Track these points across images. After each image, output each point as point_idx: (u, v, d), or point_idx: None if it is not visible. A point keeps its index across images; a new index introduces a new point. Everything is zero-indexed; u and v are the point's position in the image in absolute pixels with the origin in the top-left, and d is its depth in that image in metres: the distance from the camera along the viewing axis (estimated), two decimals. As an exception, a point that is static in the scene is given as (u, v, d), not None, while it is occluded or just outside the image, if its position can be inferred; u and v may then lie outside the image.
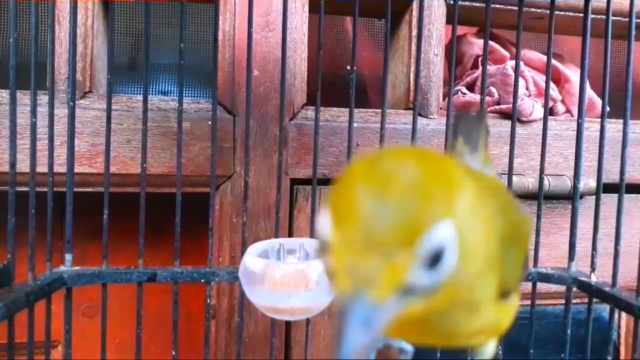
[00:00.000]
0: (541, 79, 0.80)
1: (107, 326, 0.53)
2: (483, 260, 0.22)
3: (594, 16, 0.57)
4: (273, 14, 0.69)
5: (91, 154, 0.64)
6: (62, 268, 0.52)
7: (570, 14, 0.80)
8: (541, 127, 0.58)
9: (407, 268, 0.19)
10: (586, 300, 0.56)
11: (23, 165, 0.49)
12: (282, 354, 0.71)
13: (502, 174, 0.74)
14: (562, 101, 0.84)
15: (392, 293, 0.20)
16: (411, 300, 0.20)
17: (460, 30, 0.88)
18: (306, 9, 0.71)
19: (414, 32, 0.77)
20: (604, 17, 0.56)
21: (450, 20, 0.77)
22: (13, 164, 0.47)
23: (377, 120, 0.69)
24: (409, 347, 0.38)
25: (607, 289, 0.52)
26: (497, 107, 0.79)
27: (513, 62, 0.78)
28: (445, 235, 0.19)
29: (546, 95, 0.59)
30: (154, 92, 0.89)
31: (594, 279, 0.55)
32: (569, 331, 0.57)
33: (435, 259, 0.20)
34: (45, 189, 0.50)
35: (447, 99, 0.73)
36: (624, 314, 0.55)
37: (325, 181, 0.68)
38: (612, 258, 0.53)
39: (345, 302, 0.20)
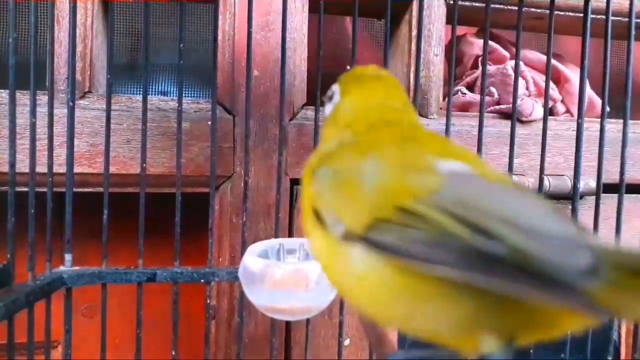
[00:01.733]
0: (541, 79, 0.80)
1: (106, 326, 0.53)
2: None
3: (593, 16, 0.57)
4: (273, 13, 0.69)
5: (91, 154, 0.64)
6: (61, 268, 0.52)
7: (570, 14, 0.80)
8: (541, 127, 0.58)
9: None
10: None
11: (22, 166, 0.49)
12: (282, 354, 0.71)
13: (502, 174, 0.74)
14: (562, 101, 0.84)
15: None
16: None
17: (460, 30, 0.88)
18: (306, 9, 0.71)
19: (414, 32, 0.77)
20: (603, 17, 0.56)
21: (450, 20, 0.77)
22: (12, 164, 0.47)
23: (377, 120, 0.69)
24: None
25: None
26: (497, 107, 0.79)
27: (513, 62, 0.78)
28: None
29: (546, 95, 0.59)
30: (153, 92, 0.89)
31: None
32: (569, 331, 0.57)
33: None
34: (45, 189, 0.50)
35: (447, 98, 0.73)
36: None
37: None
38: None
39: None
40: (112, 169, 0.60)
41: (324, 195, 0.28)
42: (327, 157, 0.31)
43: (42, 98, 0.53)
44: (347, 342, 0.71)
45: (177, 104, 0.53)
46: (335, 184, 0.28)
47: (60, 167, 0.56)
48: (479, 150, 0.58)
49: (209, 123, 0.57)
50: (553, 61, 0.62)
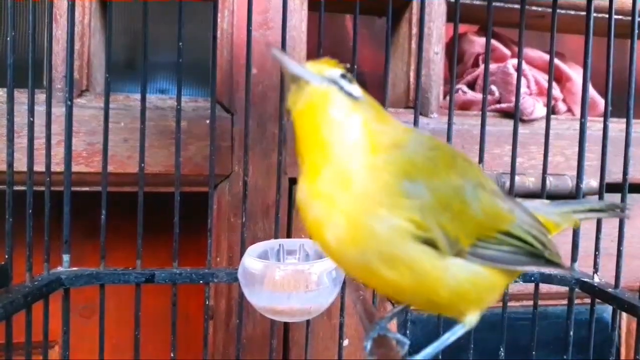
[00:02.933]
0: (542, 77, 0.79)
1: (104, 327, 0.52)
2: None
3: (595, 14, 0.56)
4: (272, 11, 0.69)
5: (88, 153, 0.64)
6: (59, 269, 0.52)
7: (572, 12, 0.80)
8: (542, 126, 0.58)
9: (325, 71, 0.33)
10: (586, 300, 0.56)
11: (20, 164, 0.48)
12: (280, 355, 0.71)
13: (504, 173, 0.73)
14: (564, 100, 0.84)
15: (318, 74, 0.33)
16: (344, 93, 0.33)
17: (461, 28, 0.87)
18: (305, 6, 0.70)
19: (414, 30, 0.76)
20: (605, 15, 0.55)
21: (450, 18, 0.76)
22: (10, 164, 0.46)
23: (377, 119, 0.68)
24: (405, 340, 0.39)
25: (610, 290, 0.52)
26: (497, 105, 0.78)
27: (514, 61, 0.78)
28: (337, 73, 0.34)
29: (549, 95, 0.59)
30: (151, 91, 0.89)
31: (596, 280, 0.55)
32: (571, 333, 0.56)
33: (343, 76, 0.34)
34: (43, 188, 0.50)
35: (447, 97, 0.72)
36: (624, 314, 0.54)
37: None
38: (611, 257, 0.53)
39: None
40: (110, 168, 0.60)
41: (428, 214, 0.32)
42: (413, 169, 0.32)
43: (40, 97, 0.52)
44: (345, 342, 0.71)
45: (175, 103, 0.53)
46: (442, 203, 0.32)
47: (57, 166, 0.55)
48: (481, 149, 0.57)
49: (207, 122, 0.57)
50: (555, 60, 0.62)
